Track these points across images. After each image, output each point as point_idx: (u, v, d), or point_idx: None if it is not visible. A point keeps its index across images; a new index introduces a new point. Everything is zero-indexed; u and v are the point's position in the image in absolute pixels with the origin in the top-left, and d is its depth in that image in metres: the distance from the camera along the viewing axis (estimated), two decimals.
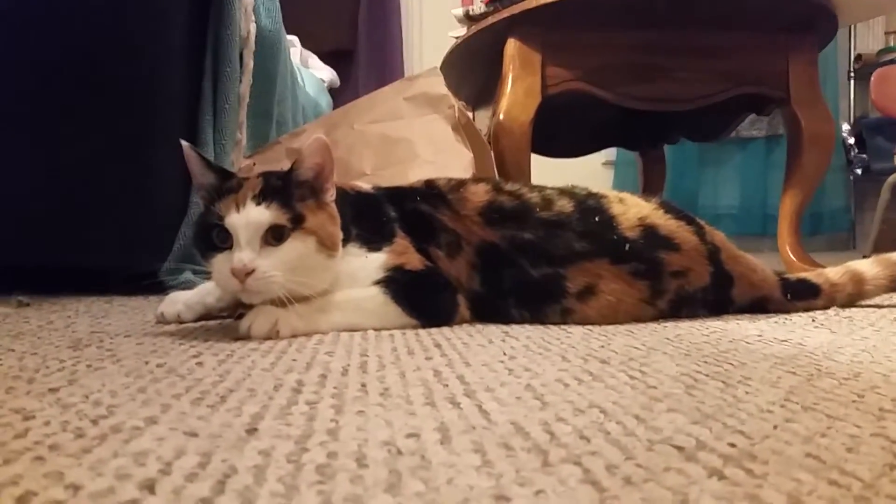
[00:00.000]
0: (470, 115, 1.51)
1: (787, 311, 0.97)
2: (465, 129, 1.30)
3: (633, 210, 0.92)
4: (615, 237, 0.89)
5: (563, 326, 0.85)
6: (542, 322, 0.88)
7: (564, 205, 0.91)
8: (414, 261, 0.86)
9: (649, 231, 0.90)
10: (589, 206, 0.92)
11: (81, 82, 1.20)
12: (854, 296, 1.01)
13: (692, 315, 0.93)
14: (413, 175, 1.20)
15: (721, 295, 0.94)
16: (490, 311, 0.90)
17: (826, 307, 1.00)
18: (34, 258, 1.22)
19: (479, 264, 0.89)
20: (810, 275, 1.03)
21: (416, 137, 1.24)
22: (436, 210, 0.90)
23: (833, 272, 1.02)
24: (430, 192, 0.93)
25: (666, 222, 0.92)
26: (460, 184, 0.94)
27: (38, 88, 1.19)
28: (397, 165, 1.23)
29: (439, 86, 1.33)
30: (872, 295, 1.01)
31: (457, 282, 0.89)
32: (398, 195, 0.93)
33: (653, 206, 0.94)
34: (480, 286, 0.89)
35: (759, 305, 0.98)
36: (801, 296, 0.99)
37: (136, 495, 0.32)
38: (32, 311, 0.98)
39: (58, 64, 1.18)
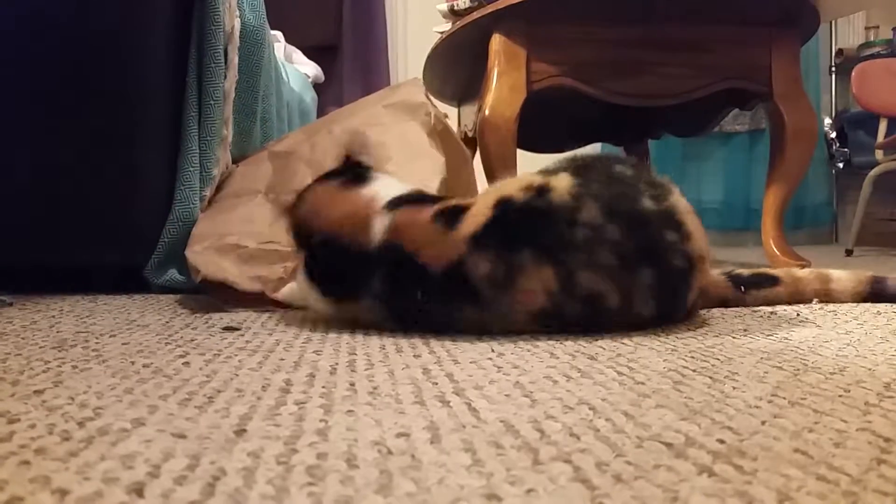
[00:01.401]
0: (452, 121, 1.53)
1: (749, 304, 0.97)
2: (441, 136, 1.31)
3: (703, 280, 0.82)
4: (677, 311, 0.81)
5: None
6: None
7: (646, 310, 0.75)
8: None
9: (700, 294, 0.84)
10: (672, 291, 0.77)
11: (63, 79, 1.18)
12: (820, 292, 0.99)
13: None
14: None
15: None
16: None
17: (791, 298, 0.98)
18: (16, 257, 1.20)
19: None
20: (771, 270, 1.03)
21: (390, 141, 1.25)
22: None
23: (797, 270, 1.03)
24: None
25: (710, 279, 0.89)
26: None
27: (18, 86, 1.18)
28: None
29: (419, 95, 1.35)
30: (840, 298, 1.00)
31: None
32: None
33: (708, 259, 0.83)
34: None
35: (722, 305, 0.97)
36: (756, 285, 0.97)
37: (125, 499, 0.31)
38: (15, 310, 0.97)
39: (38, 60, 1.17)
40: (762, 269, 1.04)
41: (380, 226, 0.77)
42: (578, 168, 0.78)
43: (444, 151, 1.25)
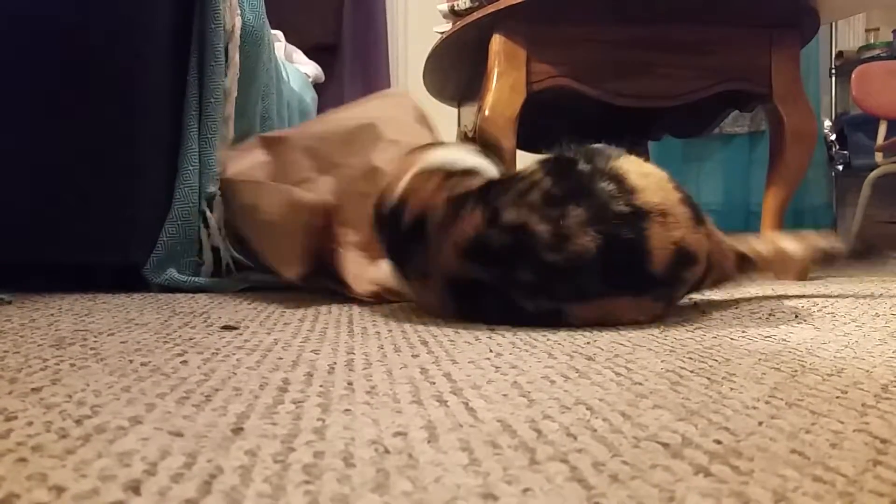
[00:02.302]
0: (451, 121, 1.60)
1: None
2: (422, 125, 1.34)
3: (672, 231, 0.80)
4: (645, 275, 0.80)
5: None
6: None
7: (585, 243, 0.77)
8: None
9: (680, 252, 0.81)
10: (621, 241, 0.78)
11: (63, 79, 1.18)
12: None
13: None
14: (378, 159, 1.22)
15: (700, 285, 0.91)
16: (470, 308, 0.87)
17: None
18: (15, 255, 1.20)
19: (454, 293, 0.85)
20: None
21: (377, 120, 1.28)
22: (411, 244, 0.89)
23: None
24: (415, 224, 0.87)
25: (695, 237, 0.83)
26: (456, 213, 0.83)
27: (17, 85, 1.18)
28: (360, 153, 1.25)
29: (405, 97, 1.40)
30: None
31: (428, 308, 0.91)
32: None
33: (688, 212, 0.83)
34: (455, 305, 0.87)
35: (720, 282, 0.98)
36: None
37: (121, 496, 0.31)
38: (14, 308, 0.97)
39: (39, 59, 1.17)
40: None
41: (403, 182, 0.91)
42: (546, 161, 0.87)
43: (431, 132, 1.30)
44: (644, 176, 0.83)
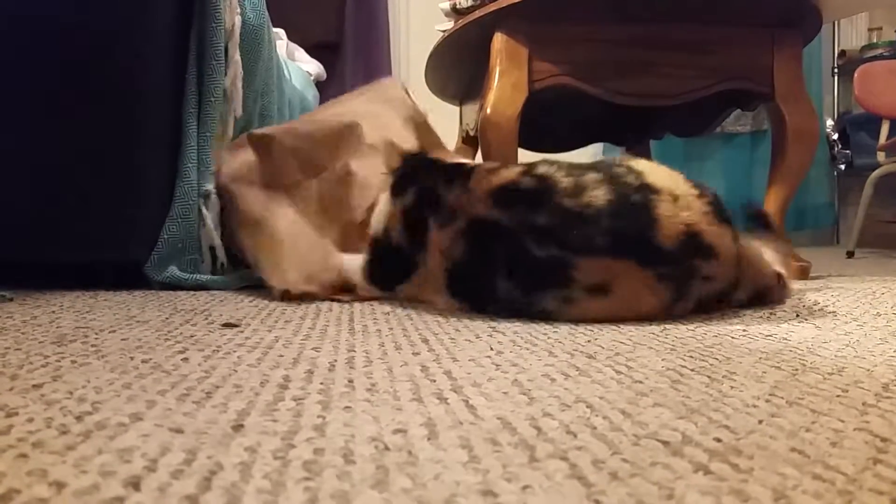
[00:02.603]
0: (453, 120, 1.61)
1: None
2: (419, 129, 1.34)
3: (682, 214, 0.84)
4: (650, 244, 0.82)
5: (549, 322, 0.85)
6: (535, 307, 0.85)
7: (598, 196, 0.84)
8: (393, 225, 1.01)
9: (692, 239, 0.84)
10: (631, 203, 0.83)
11: (63, 79, 1.18)
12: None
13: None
14: (356, 164, 1.23)
15: (729, 295, 0.93)
16: (471, 283, 0.91)
17: None
18: (17, 253, 1.21)
19: (470, 234, 0.89)
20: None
21: (363, 120, 1.30)
22: (448, 188, 0.94)
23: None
24: (460, 170, 0.96)
25: (712, 228, 0.85)
26: (497, 167, 0.94)
27: (18, 84, 1.18)
28: (342, 156, 1.27)
29: (397, 90, 1.41)
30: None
31: (439, 247, 0.93)
32: (435, 168, 1.01)
33: (705, 208, 0.86)
34: (464, 251, 0.90)
35: (759, 300, 0.98)
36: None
37: (121, 492, 0.31)
38: (16, 306, 0.97)
39: (39, 59, 1.17)
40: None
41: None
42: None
43: (423, 141, 1.30)
44: (654, 168, 0.90)
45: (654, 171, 0.88)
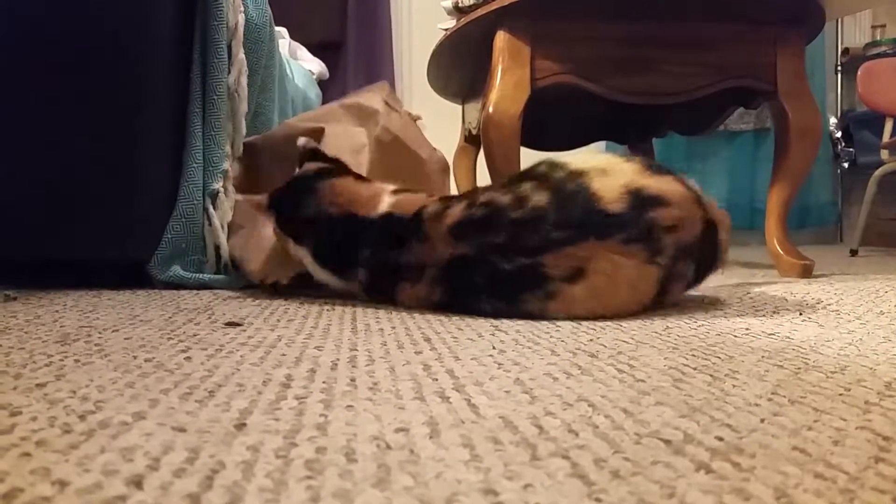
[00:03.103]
0: (453, 119, 1.60)
1: None
2: (389, 146, 1.35)
3: (616, 179, 0.88)
4: (599, 215, 0.86)
5: (552, 321, 0.85)
6: (521, 310, 0.87)
7: (539, 200, 0.89)
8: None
9: (636, 196, 0.87)
10: (567, 192, 0.89)
11: (66, 78, 1.18)
12: None
13: (687, 270, 0.90)
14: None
15: (711, 242, 0.93)
16: (459, 310, 0.93)
17: None
18: (21, 252, 1.21)
19: (444, 278, 0.93)
20: None
21: (329, 135, 1.32)
22: (405, 245, 0.95)
23: None
24: (408, 227, 0.96)
25: (650, 180, 0.89)
26: (445, 206, 0.95)
27: (22, 80, 1.18)
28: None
29: (376, 101, 1.40)
30: None
31: (417, 300, 0.96)
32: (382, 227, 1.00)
33: (637, 167, 0.91)
34: (444, 294, 0.93)
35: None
36: None
37: (124, 491, 0.31)
38: (20, 305, 0.98)
39: (39, 57, 1.17)
40: None
41: (387, 202, 1.01)
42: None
43: (387, 160, 1.31)
44: (575, 156, 0.96)
45: (575, 160, 0.94)
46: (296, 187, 1.08)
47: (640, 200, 0.87)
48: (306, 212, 1.04)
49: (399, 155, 1.34)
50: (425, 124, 1.54)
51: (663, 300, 0.92)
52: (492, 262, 0.88)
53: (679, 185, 0.91)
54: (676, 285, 0.92)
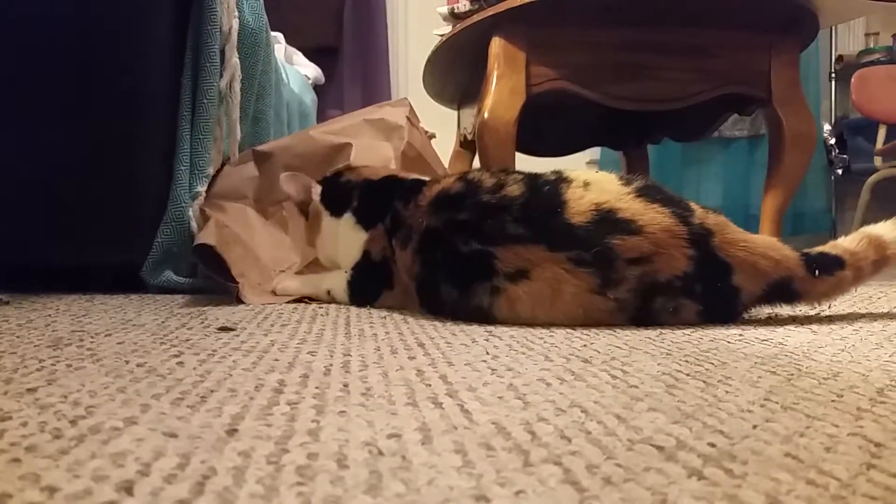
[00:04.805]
0: (451, 124, 1.62)
1: (817, 296, 0.87)
2: (413, 160, 1.38)
3: (592, 195, 0.84)
4: (557, 224, 0.83)
5: (546, 327, 0.85)
6: (471, 304, 0.88)
7: (513, 189, 0.88)
8: (376, 247, 1.06)
9: (604, 216, 0.82)
10: (541, 193, 0.87)
11: (64, 80, 1.18)
12: (879, 262, 0.88)
13: (675, 307, 0.83)
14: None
15: (716, 284, 0.83)
16: (429, 295, 0.95)
17: (856, 282, 0.87)
18: (13, 256, 1.20)
19: (420, 249, 0.94)
20: (825, 247, 0.90)
21: (361, 150, 1.34)
22: (405, 206, 0.99)
23: (847, 240, 0.90)
24: (414, 187, 1.01)
25: (632, 205, 0.83)
26: (441, 178, 1.01)
27: (17, 86, 1.18)
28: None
29: (399, 116, 1.43)
30: None
31: (406, 269, 0.98)
32: (395, 188, 1.06)
33: (625, 189, 0.85)
34: (421, 267, 0.95)
35: (783, 291, 0.85)
36: (827, 268, 0.85)
37: (114, 497, 0.31)
38: (12, 309, 0.97)
39: (38, 61, 1.17)
40: (820, 249, 0.89)
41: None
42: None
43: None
44: (582, 171, 0.93)
45: (578, 172, 0.92)
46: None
47: (606, 223, 0.82)
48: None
49: (420, 170, 1.36)
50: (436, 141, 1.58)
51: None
52: (453, 242, 0.89)
53: (666, 216, 0.82)
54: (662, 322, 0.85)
